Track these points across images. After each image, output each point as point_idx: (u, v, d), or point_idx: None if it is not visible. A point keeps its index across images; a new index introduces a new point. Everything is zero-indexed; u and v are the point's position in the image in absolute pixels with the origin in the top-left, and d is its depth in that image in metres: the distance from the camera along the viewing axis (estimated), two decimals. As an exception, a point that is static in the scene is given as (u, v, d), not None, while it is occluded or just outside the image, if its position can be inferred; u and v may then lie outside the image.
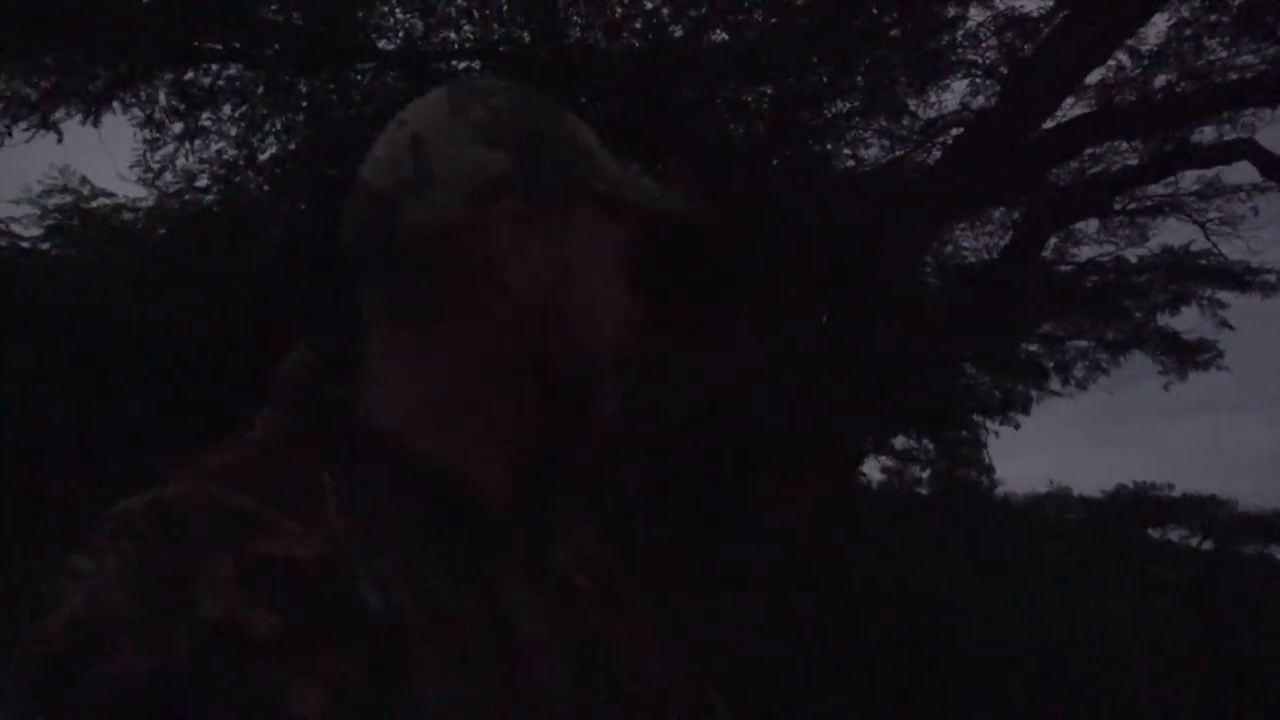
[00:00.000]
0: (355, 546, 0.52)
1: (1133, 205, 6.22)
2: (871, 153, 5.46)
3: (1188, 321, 8.47)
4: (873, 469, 9.27)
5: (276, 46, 4.35)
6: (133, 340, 4.20)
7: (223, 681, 0.46)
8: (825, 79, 4.78)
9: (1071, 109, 5.00)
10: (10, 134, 4.34)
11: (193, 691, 0.45)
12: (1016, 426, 7.68)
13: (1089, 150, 5.50)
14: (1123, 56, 4.99)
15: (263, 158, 5.09)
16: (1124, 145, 5.60)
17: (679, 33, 4.69)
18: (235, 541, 0.49)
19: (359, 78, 4.89)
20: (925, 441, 8.90)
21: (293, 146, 5.11)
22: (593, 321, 0.61)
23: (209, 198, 5.13)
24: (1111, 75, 5.14)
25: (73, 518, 3.84)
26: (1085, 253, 6.54)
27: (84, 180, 5.04)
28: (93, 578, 0.47)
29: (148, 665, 0.45)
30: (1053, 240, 6.19)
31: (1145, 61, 5.06)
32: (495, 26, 4.78)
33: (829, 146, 5.27)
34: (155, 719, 0.44)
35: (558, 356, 0.60)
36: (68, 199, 5.04)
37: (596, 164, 0.62)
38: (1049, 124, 4.71)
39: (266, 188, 5.05)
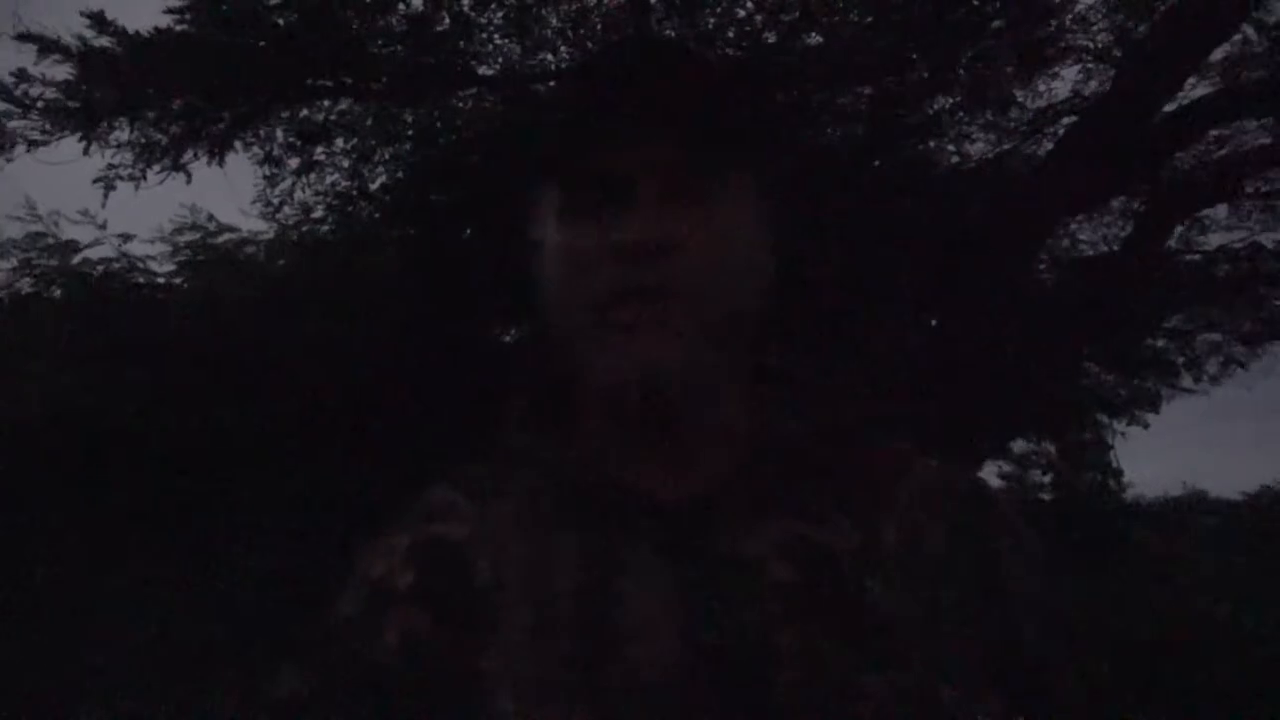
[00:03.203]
0: (500, 531, 0.66)
1: (1266, 187, 5.84)
2: (978, 148, 5.30)
3: (1333, 309, 7.89)
4: (990, 474, 8.92)
5: (383, 79, 4.53)
6: (256, 366, 4.40)
7: (367, 623, 0.64)
8: (925, 75, 4.66)
9: (1194, 89, 4.74)
10: (145, 178, 4.66)
11: (352, 627, 0.64)
12: (1145, 426, 7.26)
13: (1215, 132, 5.19)
14: (1248, 30, 4.70)
15: (373, 187, 5.31)
16: (1254, 124, 5.26)
17: (772, 39, 4.66)
18: (420, 523, 0.68)
19: (461, 104, 5.04)
20: (1045, 444, 8.52)
21: (401, 174, 5.31)
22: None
23: (324, 228, 5.36)
24: (1237, 51, 4.85)
25: (200, 539, 4.05)
26: (1215, 240, 6.15)
27: (210, 217, 5.31)
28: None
29: (349, 606, 0.66)
30: (1179, 229, 5.86)
31: (1275, 33, 4.75)
32: (589, 46, 4.85)
33: (932, 144, 5.13)
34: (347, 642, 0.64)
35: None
36: (196, 236, 5.31)
37: None
38: (1170, 107, 4.47)
39: (378, 215, 5.25)
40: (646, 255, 0.60)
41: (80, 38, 4.10)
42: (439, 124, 5.10)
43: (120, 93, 4.21)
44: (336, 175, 5.26)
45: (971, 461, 5.68)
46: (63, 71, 4.16)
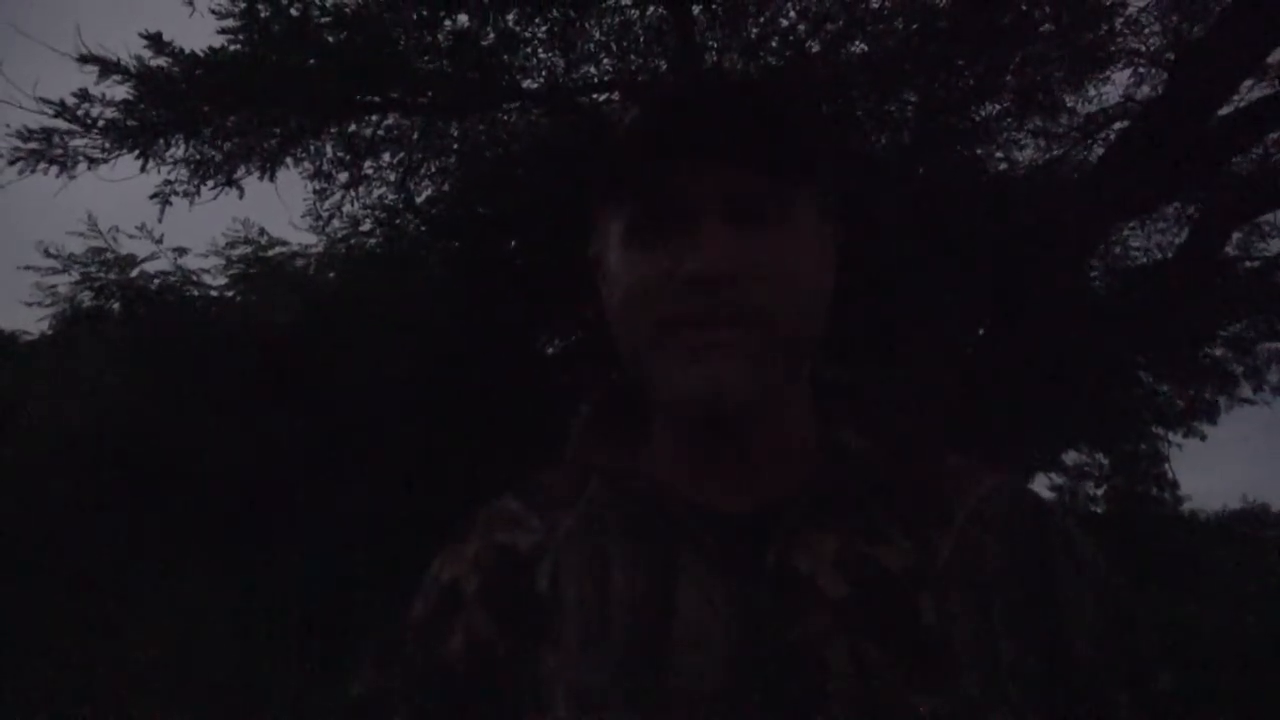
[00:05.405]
0: (563, 540, 0.68)
1: (1329, 191, 5.66)
2: (1027, 154, 5.23)
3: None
4: (1042, 486, 8.74)
5: (430, 95, 4.59)
6: (305, 375, 4.47)
7: (436, 624, 0.68)
8: (972, 81, 4.60)
9: (1250, 92, 4.63)
10: (200, 193, 4.77)
11: (422, 629, 0.68)
12: (1203, 438, 7.07)
13: (1273, 135, 5.06)
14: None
15: (419, 200, 5.38)
16: (1315, 127, 5.11)
17: (816, 48, 4.64)
18: (487, 531, 0.71)
19: (505, 118, 5.09)
20: (1099, 456, 8.32)
21: (446, 187, 5.37)
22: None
23: (372, 241, 5.44)
24: (1296, 52, 4.72)
25: (255, 548, 4.12)
26: (1275, 246, 6.01)
27: (262, 231, 5.42)
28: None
29: (420, 609, 0.70)
30: (1236, 235, 5.72)
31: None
32: (632, 58, 4.87)
33: (980, 151, 5.07)
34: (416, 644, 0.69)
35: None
36: (248, 250, 5.43)
37: None
38: (1225, 110, 4.36)
39: (424, 228, 5.31)
40: (714, 283, 0.61)
41: (139, 59, 4.21)
42: (484, 138, 5.16)
43: (176, 111, 4.32)
44: (384, 189, 5.35)
45: (1023, 473, 5.56)
46: (122, 91, 4.28)
